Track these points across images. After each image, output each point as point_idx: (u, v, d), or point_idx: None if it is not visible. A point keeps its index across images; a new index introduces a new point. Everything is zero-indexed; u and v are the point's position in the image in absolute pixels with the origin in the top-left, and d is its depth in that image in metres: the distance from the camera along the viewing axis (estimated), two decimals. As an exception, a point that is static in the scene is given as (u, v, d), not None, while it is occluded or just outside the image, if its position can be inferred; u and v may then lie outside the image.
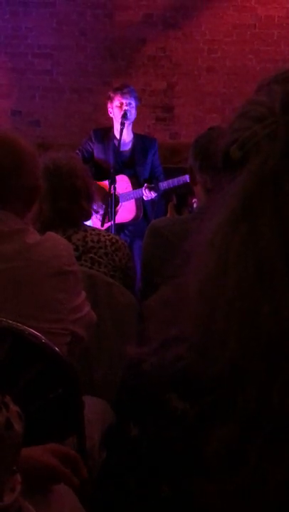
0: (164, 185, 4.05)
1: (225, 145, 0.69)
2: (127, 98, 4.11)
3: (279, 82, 0.69)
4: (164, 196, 4.22)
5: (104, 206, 3.81)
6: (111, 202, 3.76)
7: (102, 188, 3.97)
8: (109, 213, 3.81)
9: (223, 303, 0.64)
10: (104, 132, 4.29)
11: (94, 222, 3.73)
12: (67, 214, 2.34)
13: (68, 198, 2.33)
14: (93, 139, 4.29)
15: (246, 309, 0.63)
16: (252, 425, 0.61)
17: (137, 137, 4.30)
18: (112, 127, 4.24)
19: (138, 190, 4.11)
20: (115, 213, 3.88)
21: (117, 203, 4.02)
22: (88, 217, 2.50)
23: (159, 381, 0.68)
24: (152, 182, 4.12)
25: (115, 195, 3.80)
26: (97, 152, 4.27)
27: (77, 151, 4.28)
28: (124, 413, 0.71)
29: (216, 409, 0.63)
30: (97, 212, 3.79)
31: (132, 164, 4.23)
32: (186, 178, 3.67)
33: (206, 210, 0.71)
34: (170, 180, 4.06)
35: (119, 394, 0.73)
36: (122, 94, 4.11)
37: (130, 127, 4.20)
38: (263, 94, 0.69)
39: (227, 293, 0.64)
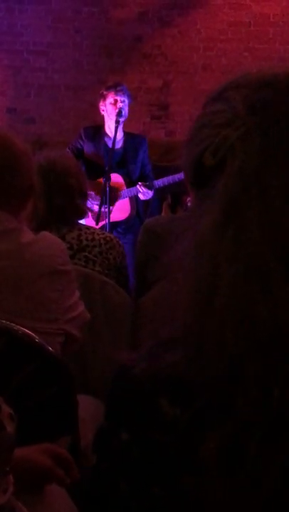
0: (158, 183, 4.05)
1: (194, 157, 0.70)
2: (120, 95, 4.10)
3: (233, 89, 0.70)
4: (158, 195, 4.22)
5: (99, 198, 3.79)
6: (106, 200, 3.76)
7: (99, 184, 3.96)
8: (104, 211, 3.81)
9: (216, 306, 0.64)
10: (95, 130, 4.28)
11: (88, 221, 3.73)
12: (61, 212, 2.33)
13: (62, 196, 2.32)
14: (83, 137, 4.28)
15: (241, 310, 0.63)
16: (251, 424, 0.61)
17: (127, 136, 4.29)
18: (103, 125, 4.22)
19: (133, 189, 4.10)
20: (110, 211, 3.88)
21: (116, 199, 4.02)
22: (83, 216, 2.50)
23: (149, 386, 0.68)
24: (146, 180, 4.11)
25: (116, 192, 3.80)
26: (88, 150, 4.25)
27: (67, 150, 4.27)
28: (115, 418, 0.71)
29: (211, 411, 0.63)
30: (91, 210, 3.78)
31: (124, 163, 4.22)
32: (181, 176, 3.67)
33: (188, 218, 0.71)
34: (165, 178, 4.05)
35: (110, 398, 0.73)
36: (116, 92, 4.11)
37: (121, 126, 4.20)
38: (219, 104, 0.70)
39: (220, 296, 0.64)
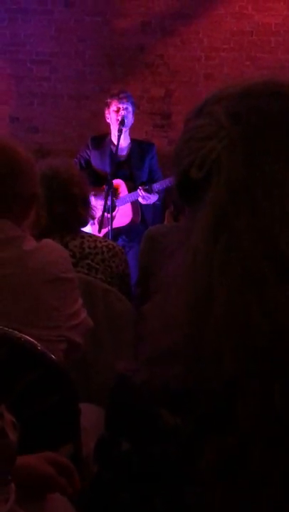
0: (157, 186, 4.05)
1: (180, 170, 0.70)
2: (124, 103, 4.12)
3: (215, 103, 0.71)
4: (162, 203, 4.22)
5: (102, 201, 3.79)
6: (108, 207, 3.77)
7: (102, 191, 3.97)
8: (106, 219, 3.81)
9: (213, 316, 0.64)
10: (101, 139, 4.31)
11: (92, 228, 3.73)
12: (64, 220, 2.34)
13: (65, 205, 2.33)
14: (90, 146, 4.31)
15: (238, 318, 0.63)
16: (252, 432, 0.61)
17: (134, 142, 4.31)
18: (109, 133, 4.24)
19: (133, 194, 4.11)
20: (112, 218, 3.88)
21: (113, 208, 4.02)
22: (85, 224, 2.50)
23: (150, 396, 0.68)
24: (147, 184, 4.12)
25: (112, 201, 3.81)
26: (94, 159, 4.28)
27: (75, 160, 4.30)
28: (115, 427, 0.71)
29: (212, 420, 0.63)
30: (94, 218, 3.79)
31: (128, 168, 4.24)
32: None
33: (181, 233, 0.72)
34: (162, 181, 4.06)
35: (110, 408, 0.73)
36: (119, 99, 4.13)
37: (127, 133, 4.21)
38: (201, 119, 0.71)
39: (216, 306, 0.64)
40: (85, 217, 2.44)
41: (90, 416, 1.85)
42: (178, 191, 0.74)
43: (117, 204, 4.10)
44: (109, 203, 3.77)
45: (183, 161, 0.70)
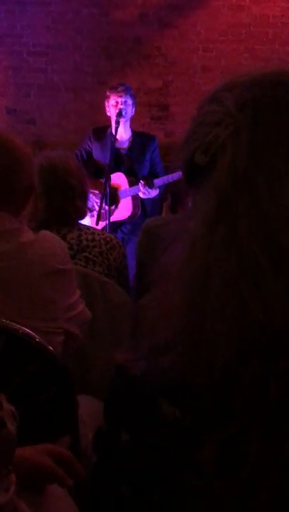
0: (158, 181, 4.05)
1: (187, 155, 0.71)
2: (122, 97, 4.11)
3: (226, 91, 0.72)
4: (160, 195, 4.22)
5: (100, 197, 3.78)
6: (106, 200, 3.76)
7: (101, 184, 3.97)
8: (104, 211, 3.81)
9: (209, 307, 0.64)
10: (103, 131, 4.30)
11: (90, 220, 3.72)
12: (61, 212, 2.33)
13: (63, 197, 2.32)
14: (92, 138, 4.31)
15: (234, 309, 0.63)
16: (250, 423, 0.61)
17: (135, 134, 4.30)
18: (110, 126, 4.24)
19: (134, 188, 4.11)
20: (113, 211, 3.87)
21: (117, 200, 4.02)
22: (83, 217, 2.49)
23: (148, 387, 0.68)
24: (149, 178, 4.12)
25: (115, 192, 3.80)
26: (96, 151, 4.28)
27: (77, 151, 4.29)
28: (114, 418, 0.71)
29: (210, 413, 0.63)
30: (91, 211, 3.78)
31: (129, 162, 4.23)
32: (180, 174, 3.66)
33: (183, 219, 0.72)
34: (164, 177, 4.06)
35: (109, 399, 0.74)
36: (117, 93, 4.12)
37: (128, 124, 4.21)
38: (212, 105, 0.72)
39: (212, 296, 0.64)
40: (83, 210, 2.43)
41: (88, 408, 1.86)
42: (183, 175, 0.74)
43: (120, 197, 4.10)
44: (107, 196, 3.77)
45: (189, 146, 0.71)
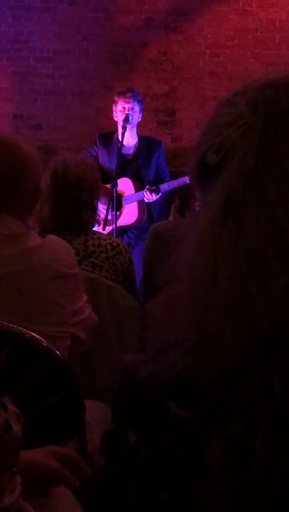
0: (164, 187, 4.05)
1: (199, 154, 0.72)
2: (129, 102, 4.12)
3: (239, 95, 0.74)
4: (167, 198, 4.22)
5: (106, 203, 3.78)
6: (113, 205, 3.77)
7: (107, 189, 3.97)
8: (111, 216, 3.81)
9: (215, 303, 0.64)
10: (109, 136, 4.30)
11: (96, 225, 3.72)
12: (66, 223, 2.33)
13: (71, 211, 2.32)
14: (98, 143, 4.31)
15: (240, 307, 0.63)
16: (255, 420, 0.61)
17: (141, 140, 4.30)
18: (116, 131, 4.25)
19: (140, 193, 4.11)
20: (118, 217, 3.88)
21: (120, 206, 4.02)
22: (89, 228, 2.46)
23: (156, 388, 0.68)
24: (155, 184, 4.12)
25: (118, 198, 3.80)
26: (102, 156, 4.27)
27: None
28: (122, 420, 0.72)
29: (216, 411, 0.63)
30: (100, 224, 3.78)
31: (135, 167, 4.24)
32: (186, 179, 3.67)
33: (189, 218, 0.74)
34: (170, 182, 4.06)
35: (117, 401, 0.74)
36: (125, 99, 4.13)
37: (134, 130, 4.22)
38: (226, 108, 0.74)
39: (218, 292, 0.64)
40: (90, 223, 2.42)
41: (95, 412, 1.86)
42: (193, 177, 0.76)
43: (123, 203, 4.10)
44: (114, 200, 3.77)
45: (202, 147, 0.72)
